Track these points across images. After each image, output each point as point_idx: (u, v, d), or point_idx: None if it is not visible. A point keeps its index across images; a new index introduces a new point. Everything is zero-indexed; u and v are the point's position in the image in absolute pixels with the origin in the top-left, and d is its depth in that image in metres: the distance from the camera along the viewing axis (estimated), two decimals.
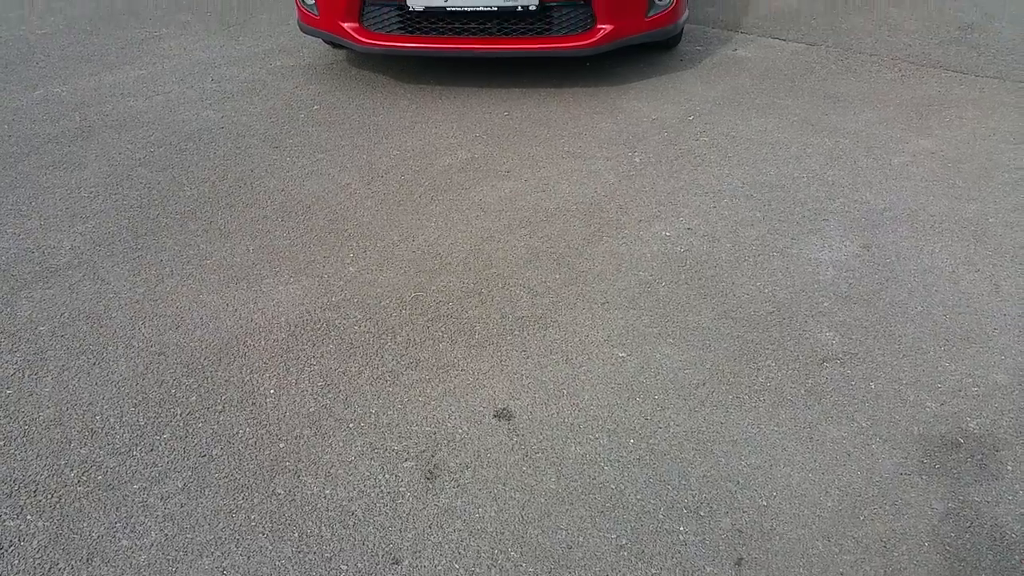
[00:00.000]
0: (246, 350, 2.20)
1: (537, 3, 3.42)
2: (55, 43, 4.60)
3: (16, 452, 1.88)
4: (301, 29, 3.97)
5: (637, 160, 3.16)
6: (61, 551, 1.65)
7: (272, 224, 2.80)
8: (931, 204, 2.80)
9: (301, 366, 2.14)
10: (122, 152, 3.32)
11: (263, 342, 2.23)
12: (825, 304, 2.33)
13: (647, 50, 4.07)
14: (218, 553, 1.64)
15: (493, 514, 1.71)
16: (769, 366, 2.10)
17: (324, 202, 2.93)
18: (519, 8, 3.45)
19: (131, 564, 1.62)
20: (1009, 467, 1.79)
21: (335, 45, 4.02)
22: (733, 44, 4.27)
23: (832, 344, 2.17)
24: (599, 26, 3.54)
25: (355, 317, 2.32)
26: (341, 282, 2.48)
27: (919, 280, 2.41)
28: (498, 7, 3.44)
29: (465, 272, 2.51)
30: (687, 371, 2.09)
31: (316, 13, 3.75)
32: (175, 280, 2.50)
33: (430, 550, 1.64)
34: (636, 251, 2.59)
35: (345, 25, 3.65)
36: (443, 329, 2.26)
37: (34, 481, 1.80)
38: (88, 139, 3.44)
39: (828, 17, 4.64)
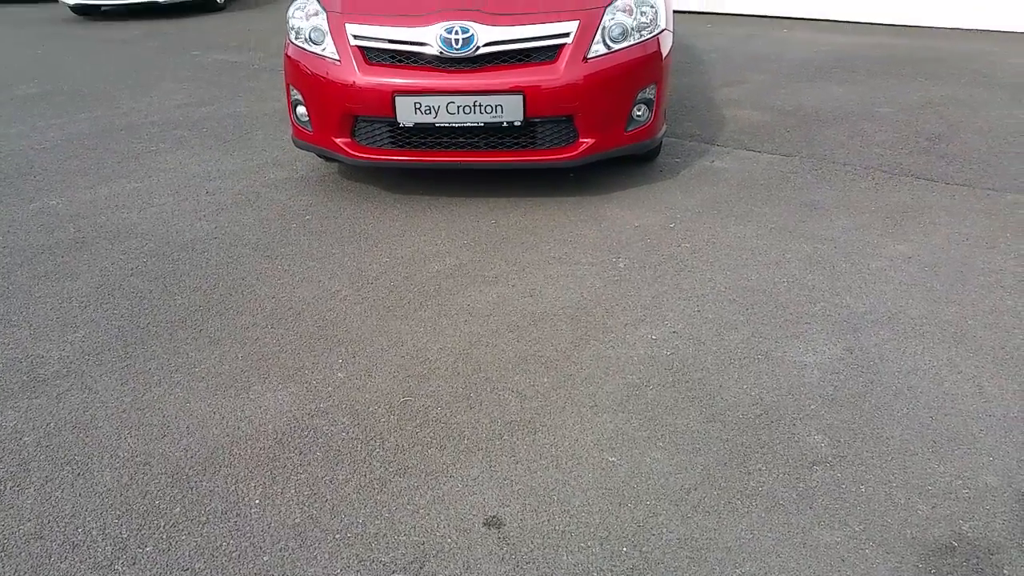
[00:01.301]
0: (232, 459, 2.17)
1: (522, 119, 3.57)
2: (53, 157, 4.72)
3: None
4: (295, 144, 4.11)
5: (622, 266, 3.23)
6: None
7: (262, 331, 2.82)
8: (910, 307, 2.86)
9: (287, 475, 2.11)
10: (115, 263, 3.37)
11: (249, 451, 2.21)
12: (812, 407, 2.34)
13: (628, 162, 4.22)
14: None
15: None
16: (760, 470, 2.09)
17: (314, 309, 2.96)
18: (505, 124, 3.59)
19: None
20: (1006, 571, 1.77)
21: (328, 159, 4.15)
22: (710, 156, 4.44)
23: (821, 447, 2.17)
24: (581, 140, 3.68)
25: (343, 423, 2.31)
26: (330, 388, 2.48)
27: (903, 382, 2.44)
28: (485, 123, 3.59)
29: (454, 377, 2.52)
30: (678, 476, 2.08)
31: (310, 129, 3.89)
32: (163, 388, 2.49)
33: None
34: (623, 354, 2.62)
35: (338, 140, 3.78)
36: (432, 435, 2.26)
37: None
38: (81, 250, 3.49)
39: (801, 130, 4.84)
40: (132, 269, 3.30)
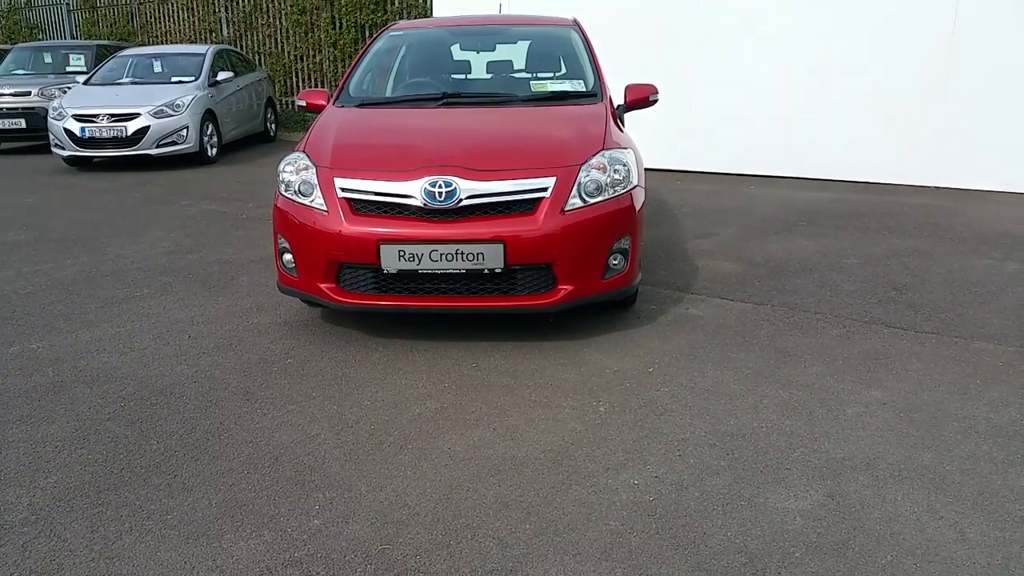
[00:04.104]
0: None
1: (502, 266, 3.68)
2: (36, 302, 4.75)
3: None
4: (280, 290, 4.19)
5: (602, 409, 3.25)
6: None
7: (237, 477, 2.77)
8: (888, 453, 2.88)
9: None
10: (92, 407, 3.34)
11: None
12: (796, 555, 2.31)
13: (606, 308, 4.32)
14: None
15: None
16: None
17: (292, 453, 2.93)
18: (486, 271, 3.70)
19: None
20: None
21: (312, 304, 4.22)
22: (685, 304, 4.56)
23: None
24: (560, 286, 3.79)
25: (318, 574, 2.24)
26: (305, 536, 2.42)
27: (885, 528, 2.43)
28: (466, 270, 3.69)
29: (434, 523, 2.47)
30: None
31: (296, 275, 3.98)
32: (133, 537, 2.42)
33: None
34: (605, 500, 2.59)
35: (323, 286, 3.87)
36: None
37: None
38: (59, 394, 3.46)
39: (772, 280, 5.01)
40: (109, 413, 3.27)
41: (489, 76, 5.43)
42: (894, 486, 2.66)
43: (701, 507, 2.56)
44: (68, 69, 13.11)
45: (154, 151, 10.02)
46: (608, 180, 3.89)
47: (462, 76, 5.47)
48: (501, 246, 3.65)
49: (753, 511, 2.53)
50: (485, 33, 5.78)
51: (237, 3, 15.64)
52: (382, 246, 3.68)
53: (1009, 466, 2.78)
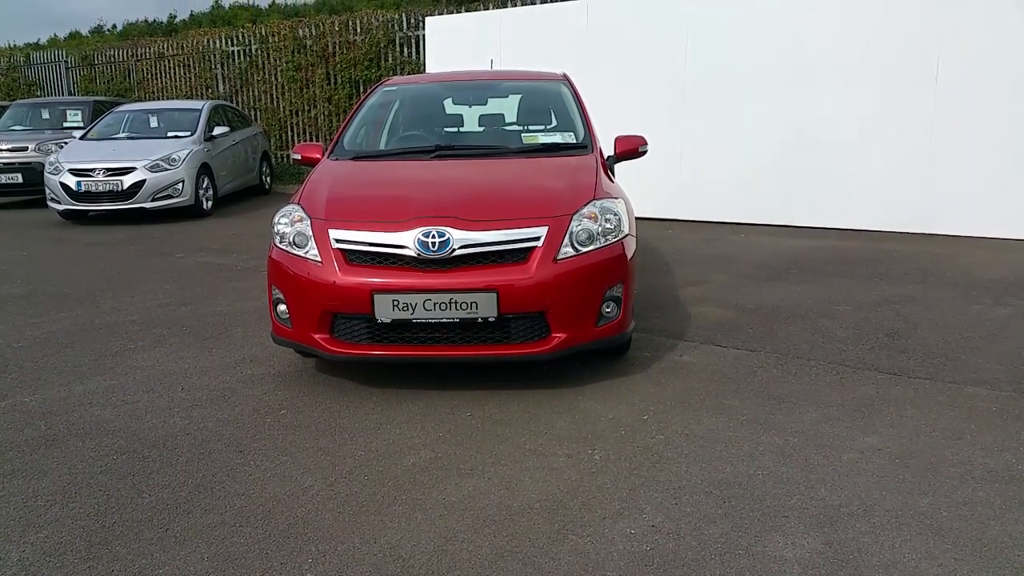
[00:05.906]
0: None
1: (496, 315, 3.70)
2: (29, 355, 4.74)
3: None
4: (274, 341, 4.19)
5: (597, 458, 3.23)
6: None
7: (229, 530, 2.74)
8: (885, 499, 2.87)
9: None
10: (84, 460, 3.31)
11: None
12: None
13: (600, 355, 4.33)
14: None
15: None
16: None
17: (285, 505, 2.90)
18: (479, 319, 3.72)
19: None
20: None
21: (306, 354, 4.21)
22: (679, 350, 4.57)
23: None
24: (553, 334, 3.80)
25: None
26: None
27: None
28: (460, 319, 3.71)
29: None
30: None
31: (290, 326, 3.99)
32: None
33: None
34: (602, 550, 2.57)
35: (317, 336, 3.87)
36: None
37: None
38: (51, 447, 3.44)
39: (764, 327, 5.03)
40: (101, 467, 3.25)
41: (481, 129, 5.52)
42: (892, 533, 2.65)
43: (699, 556, 2.53)
44: (65, 124, 13.27)
45: (150, 205, 10.09)
46: (600, 229, 3.93)
47: (455, 129, 5.57)
48: (494, 295, 3.67)
49: (751, 560, 2.51)
50: (477, 88, 5.90)
51: (233, 60, 15.91)
52: (376, 296, 3.70)
53: (1006, 511, 2.77)
